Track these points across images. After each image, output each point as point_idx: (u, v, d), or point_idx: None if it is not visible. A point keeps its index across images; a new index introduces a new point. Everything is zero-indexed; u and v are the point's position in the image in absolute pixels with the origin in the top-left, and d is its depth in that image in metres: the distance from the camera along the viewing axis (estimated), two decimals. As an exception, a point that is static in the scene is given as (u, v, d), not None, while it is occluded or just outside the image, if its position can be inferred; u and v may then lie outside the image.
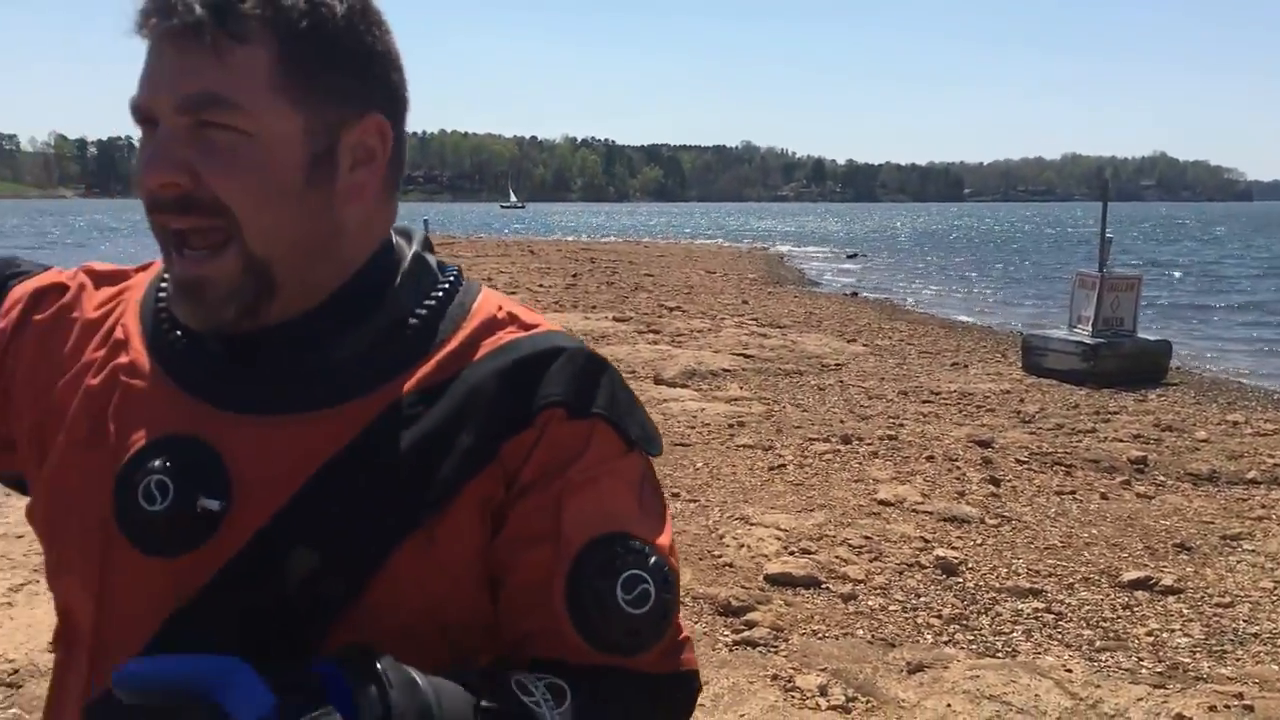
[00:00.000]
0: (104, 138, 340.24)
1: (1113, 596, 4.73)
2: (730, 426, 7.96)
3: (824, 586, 4.74)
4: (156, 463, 0.84)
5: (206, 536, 0.83)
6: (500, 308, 0.95)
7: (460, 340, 0.91)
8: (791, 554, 5.12)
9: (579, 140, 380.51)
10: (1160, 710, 3.60)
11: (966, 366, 11.38)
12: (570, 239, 49.63)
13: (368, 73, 0.87)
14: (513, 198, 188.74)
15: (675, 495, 6.14)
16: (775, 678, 3.81)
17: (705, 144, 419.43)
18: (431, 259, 0.97)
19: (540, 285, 20.04)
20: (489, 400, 0.87)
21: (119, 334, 0.93)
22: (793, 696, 3.69)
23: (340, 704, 0.68)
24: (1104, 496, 6.29)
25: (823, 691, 3.70)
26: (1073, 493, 6.36)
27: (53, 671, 0.97)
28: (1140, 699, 3.68)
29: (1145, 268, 22.00)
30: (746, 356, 11.45)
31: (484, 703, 0.76)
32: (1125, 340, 10.62)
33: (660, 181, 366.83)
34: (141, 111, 0.83)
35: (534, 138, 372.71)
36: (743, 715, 3.54)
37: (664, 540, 0.89)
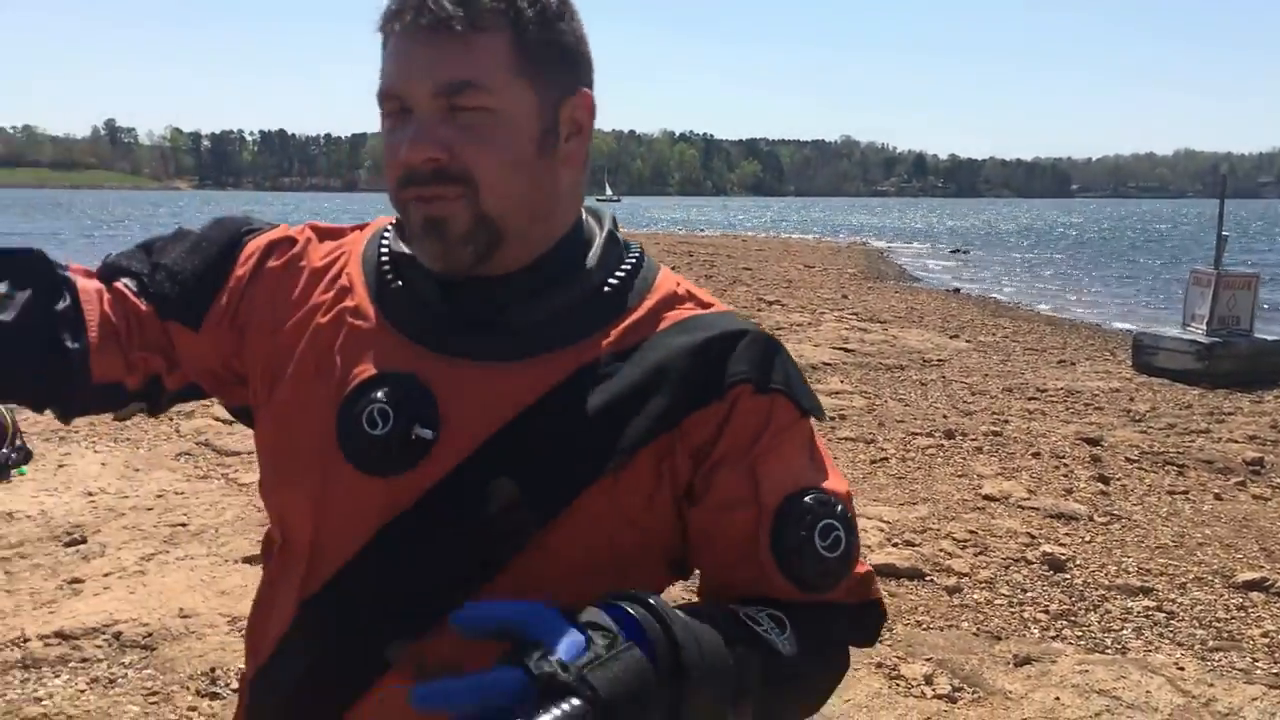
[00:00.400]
0: (216, 131, 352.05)
1: (1227, 597, 4.63)
2: (831, 419, 7.95)
3: (928, 579, 4.74)
4: (378, 394, 0.97)
5: (417, 461, 0.96)
6: (679, 284, 1.06)
7: (646, 309, 1.02)
8: (895, 545, 5.12)
9: (677, 134, 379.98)
10: (1276, 710, 3.54)
11: (1074, 364, 11.16)
12: (668, 232, 49.76)
13: (577, 53, 0.99)
14: (609, 191, 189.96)
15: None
16: (880, 665, 3.84)
17: (804, 138, 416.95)
18: (620, 235, 1.08)
19: (639, 278, 20.18)
20: (681, 372, 0.98)
21: (344, 281, 1.06)
22: (898, 684, 3.71)
23: (633, 639, 0.77)
24: (1218, 497, 6.14)
25: (928, 680, 3.72)
26: (1185, 493, 6.22)
27: (263, 575, 1.10)
28: (1255, 699, 3.62)
29: (1263, 266, 21.22)
30: (847, 350, 11.39)
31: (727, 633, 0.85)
32: (1242, 340, 10.29)
33: (758, 176, 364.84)
34: (395, 98, 0.95)
35: (632, 132, 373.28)
36: (848, 700, 3.57)
37: (842, 488, 1.01)
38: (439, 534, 0.95)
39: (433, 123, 0.93)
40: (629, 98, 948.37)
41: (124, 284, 1.07)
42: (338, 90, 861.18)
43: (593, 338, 0.99)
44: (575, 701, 0.71)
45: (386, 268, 1.05)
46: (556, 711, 0.70)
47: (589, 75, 1.02)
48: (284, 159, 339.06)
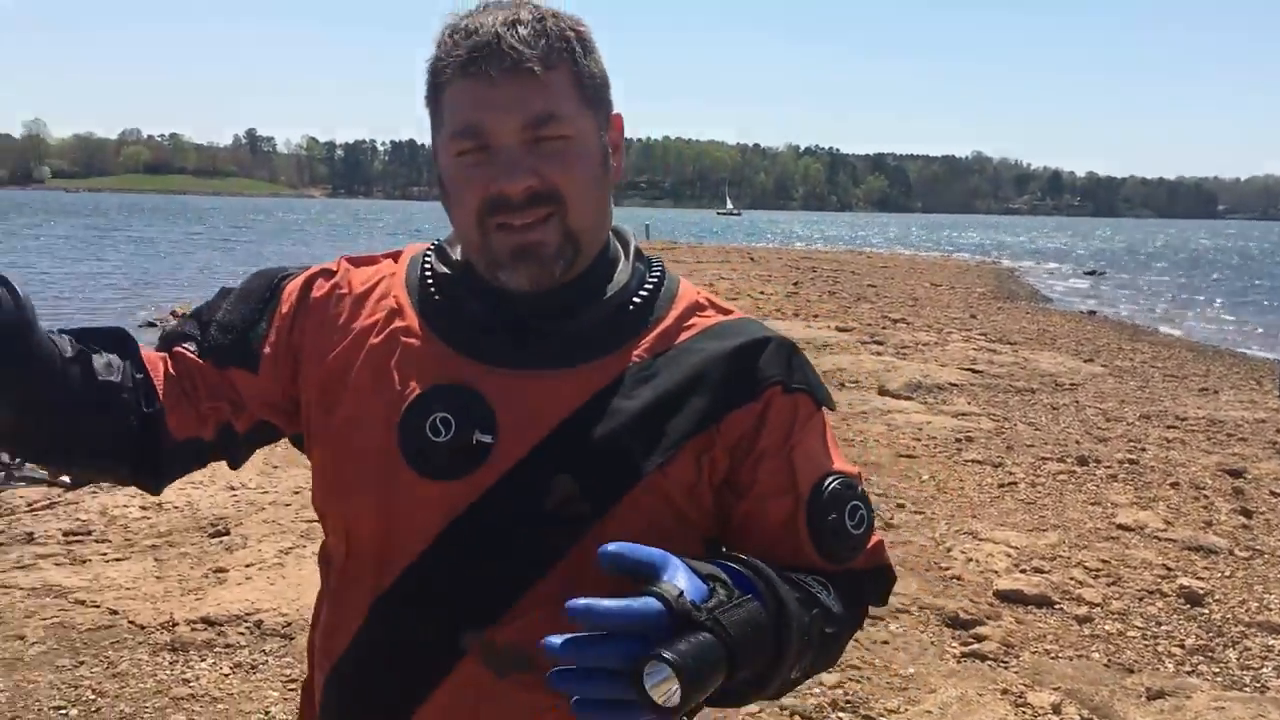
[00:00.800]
0: (350, 141, 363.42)
1: (1378, 641, 4.42)
2: (958, 441, 7.84)
3: (1057, 607, 4.64)
4: (438, 404, 1.07)
5: (477, 465, 1.06)
6: (699, 294, 1.19)
7: (674, 318, 1.14)
8: (1023, 572, 5.03)
9: (802, 148, 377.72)
10: None
11: (1216, 392, 10.75)
12: (792, 246, 49.50)
13: (607, 79, 1.13)
14: (729, 204, 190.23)
15: (900, 506, 6.13)
16: (1005, 692, 3.79)
17: (933, 153, 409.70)
18: (643, 254, 1.21)
19: (761, 292, 20.13)
20: (718, 376, 1.10)
21: (392, 303, 1.16)
22: (1024, 712, 3.66)
23: (748, 593, 0.89)
24: (1371, 537, 5.86)
25: (1056, 710, 3.65)
26: (1335, 530, 5.95)
27: (324, 587, 1.20)
28: None
29: None
30: (975, 371, 11.19)
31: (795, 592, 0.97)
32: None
33: (884, 191, 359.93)
34: (479, 135, 1.05)
35: (756, 145, 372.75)
36: (972, 725, 3.54)
37: (854, 469, 1.16)
38: (500, 529, 1.05)
39: (521, 154, 1.04)
40: (754, 111, 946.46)
41: (183, 348, 1.16)
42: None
43: (628, 345, 1.11)
44: (708, 636, 0.82)
45: (432, 288, 1.15)
46: (695, 641, 0.81)
47: (613, 97, 1.15)
48: (412, 169, 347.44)
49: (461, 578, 1.06)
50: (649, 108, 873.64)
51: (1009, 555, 5.24)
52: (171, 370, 1.14)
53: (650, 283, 1.16)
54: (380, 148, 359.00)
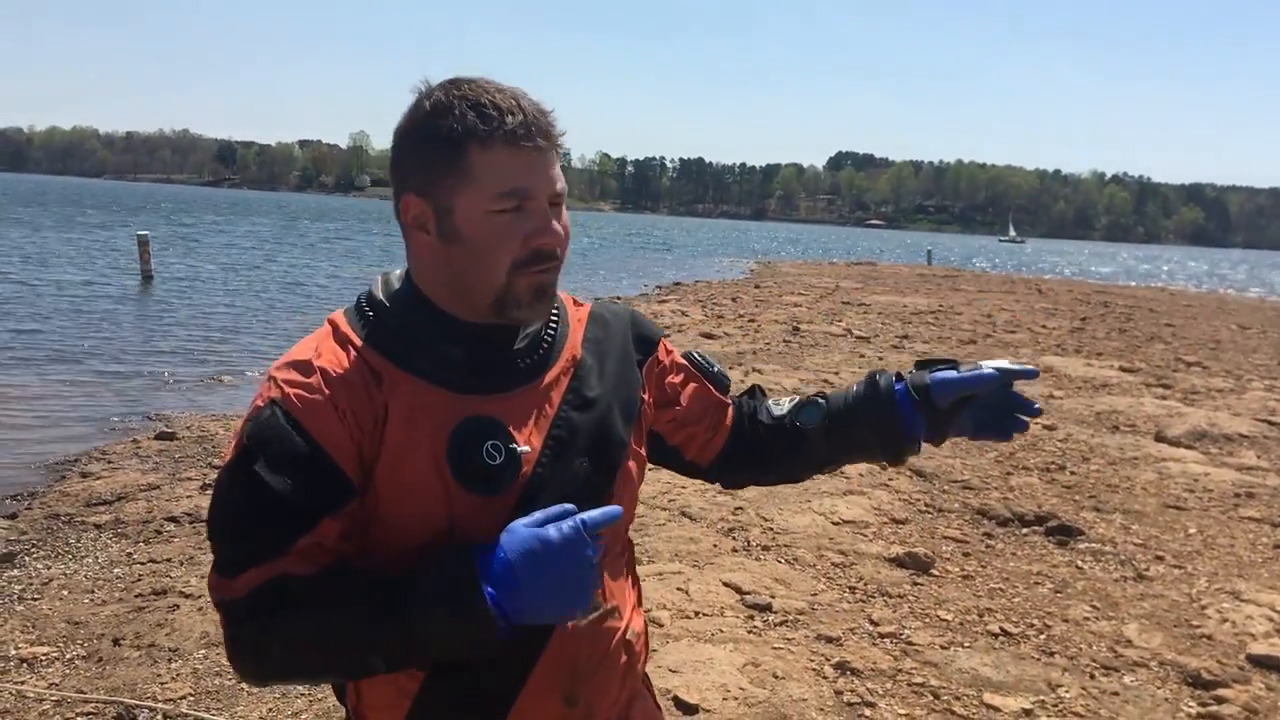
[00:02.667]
0: (640, 158, 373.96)
1: None
2: (1236, 495, 7.31)
3: (1323, 680, 4.31)
4: (480, 436, 1.31)
5: (517, 473, 1.32)
6: (567, 298, 1.54)
7: (573, 322, 1.50)
8: (1286, 639, 4.69)
9: (1108, 175, 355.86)
10: None
11: None
12: (1077, 279, 46.90)
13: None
14: (1012, 232, 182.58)
15: (1159, 558, 5.83)
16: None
17: (1258, 184, 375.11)
18: None
19: (1043, 326, 19.30)
20: (631, 349, 1.55)
21: (381, 371, 1.32)
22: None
23: None
24: None
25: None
26: None
27: None
28: None
29: None
30: (1272, 424, 10.32)
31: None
32: None
33: (1200, 224, 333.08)
34: (525, 196, 1.28)
35: (1057, 171, 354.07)
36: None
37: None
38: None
39: (552, 216, 1.32)
40: (1056, 135, 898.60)
41: (302, 543, 1.26)
42: (755, 122, 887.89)
43: (564, 349, 1.44)
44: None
45: (404, 350, 1.34)
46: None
47: None
48: (699, 186, 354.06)
49: None
50: (942, 131, 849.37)
51: (1272, 619, 4.90)
52: (316, 559, 1.27)
53: (555, 308, 1.47)
54: (669, 164, 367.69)
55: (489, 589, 1.17)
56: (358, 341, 1.34)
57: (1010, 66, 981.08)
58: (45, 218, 51.14)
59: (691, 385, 1.63)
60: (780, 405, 1.69)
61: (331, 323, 1.39)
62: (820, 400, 1.66)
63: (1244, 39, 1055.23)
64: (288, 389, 1.28)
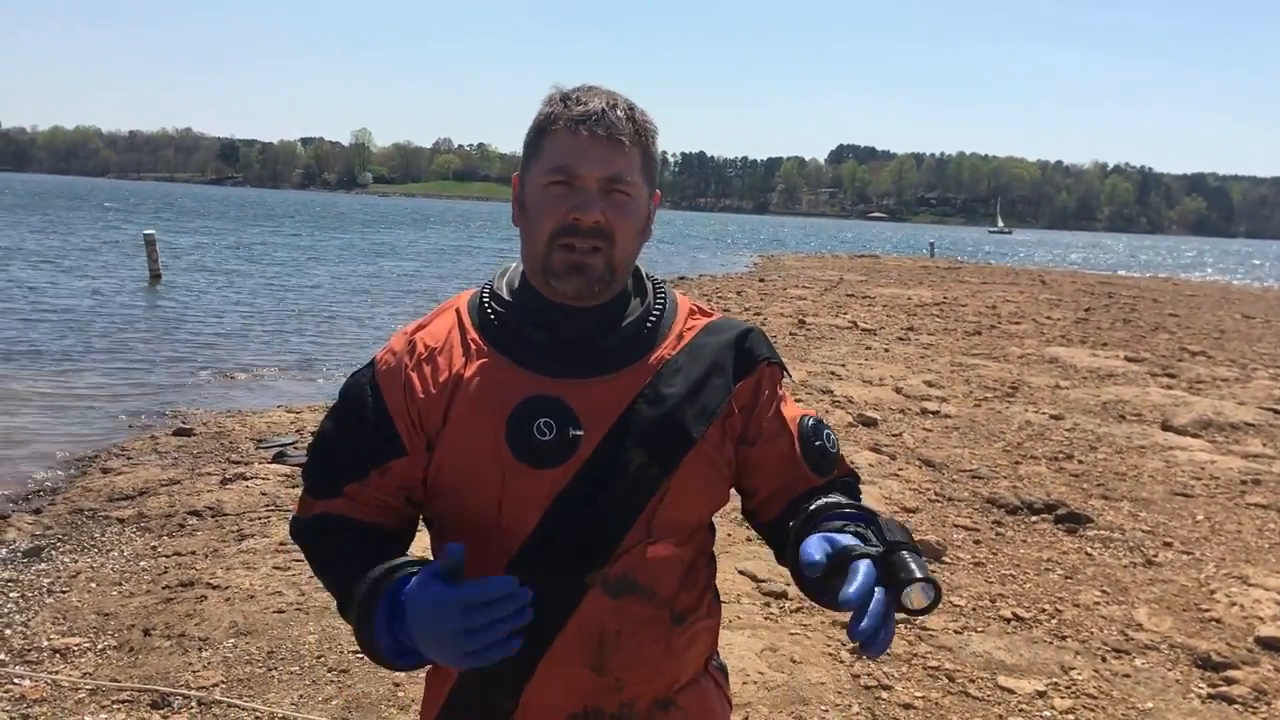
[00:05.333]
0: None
1: None
2: (1243, 483, 7.39)
3: (1328, 661, 4.39)
4: (537, 413, 1.42)
5: (571, 453, 1.41)
6: (690, 304, 1.60)
7: (679, 326, 1.55)
8: (1293, 622, 4.77)
9: (1110, 166, 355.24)
10: None
11: None
12: (1073, 269, 46.95)
13: (659, 166, 1.53)
14: (1000, 223, 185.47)
15: (1167, 544, 5.91)
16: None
17: (1261, 174, 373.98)
18: (650, 277, 1.60)
19: (1048, 317, 19.37)
20: (728, 360, 1.53)
21: (470, 345, 1.49)
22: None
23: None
24: None
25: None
26: None
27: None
28: None
29: None
30: (1277, 412, 10.38)
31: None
32: None
33: (1202, 214, 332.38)
34: (570, 174, 1.41)
35: (1059, 162, 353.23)
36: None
37: (813, 410, 1.68)
38: (595, 496, 1.41)
39: (596, 196, 1.42)
40: (1058, 125, 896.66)
41: (352, 486, 1.49)
42: (757, 116, 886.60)
43: (656, 348, 1.51)
44: (906, 551, 1.29)
45: (497, 324, 1.50)
46: (907, 556, 1.27)
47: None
48: (701, 180, 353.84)
49: (576, 533, 1.41)
50: (943, 122, 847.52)
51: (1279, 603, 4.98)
52: (368, 502, 1.49)
53: (659, 304, 1.55)
54: (672, 159, 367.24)
55: (395, 628, 1.33)
56: (465, 318, 1.53)
57: (1012, 58, 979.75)
58: (53, 216, 51.26)
59: (779, 441, 1.54)
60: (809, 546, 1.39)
61: (458, 299, 1.58)
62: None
63: (1247, 27, 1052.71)
64: (383, 354, 1.52)
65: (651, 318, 1.53)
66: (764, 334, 1.61)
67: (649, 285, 1.58)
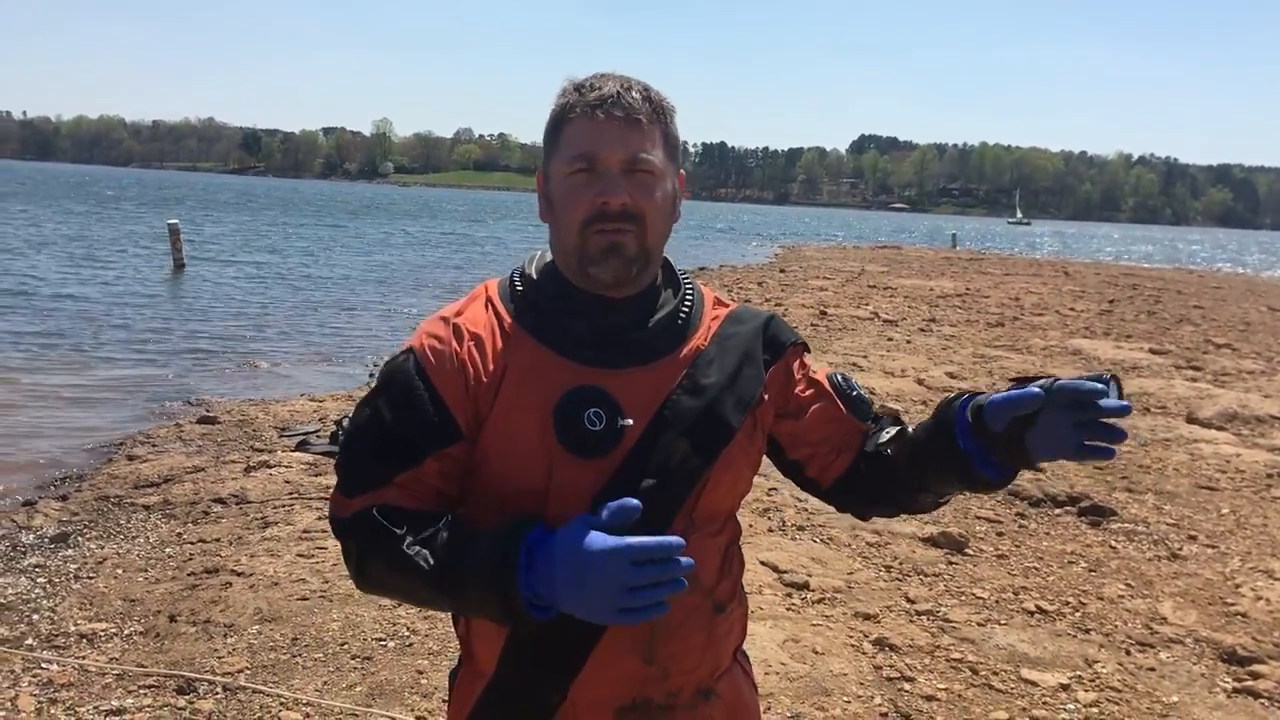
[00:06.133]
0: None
1: None
2: (1269, 476, 7.33)
3: (1353, 655, 4.35)
4: (585, 403, 1.42)
5: (616, 443, 1.42)
6: (712, 294, 1.62)
7: (708, 315, 1.57)
8: (1317, 616, 4.74)
9: (1134, 157, 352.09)
10: None
11: None
12: (1094, 259, 46.62)
13: (680, 145, 1.53)
14: (1019, 214, 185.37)
15: (1192, 538, 5.87)
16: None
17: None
18: (681, 270, 1.62)
19: (1071, 309, 19.24)
20: (758, 349, 1.56)
21: (509, 333, 1.47)
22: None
23: None
24: None
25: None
26: None
27: None
28: None
29: None
30: (1305, 405, 10.29)
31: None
32: None
33: (1228, 205, 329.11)
34: (592, 160, 1.41)
35: (1083, 153, 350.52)
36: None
37: (829, 368, 1.71)
38: (639, 485, 1.40)
39: (621, 179, 1.41)
40: (1082, 115, 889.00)
41: (402, 477, 1.42)
42: (778, 106, 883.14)
43: (690, 339, 1.51)
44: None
45: (538, 318, 1.48)
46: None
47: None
48: (721, 170, 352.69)
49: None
50: (966, 112, 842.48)
51: (1306, 598, 4.94)
52: (421, 492, 1.43)
53: (689, 291, 1.57)
54: (692, 149, 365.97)
55: (528, 580, 1.27)
56: (499, 306, 1.51)
57: (1036, 48, 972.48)
58: (76, 206, 51.65)
59: (820, 404, 1.61)
60: (880, 434, 1.59)
61: (485, 288, 1.56)
62: (903, 426, 1.58)
63: (1274, 17, 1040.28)
64: (424, 339, 1.48)
65: (684, 309, 1.54)
66: (782, 320, 1.66)
67: (676, 267, 1.60)
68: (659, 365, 1.47)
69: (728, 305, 1.61)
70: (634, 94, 1.43)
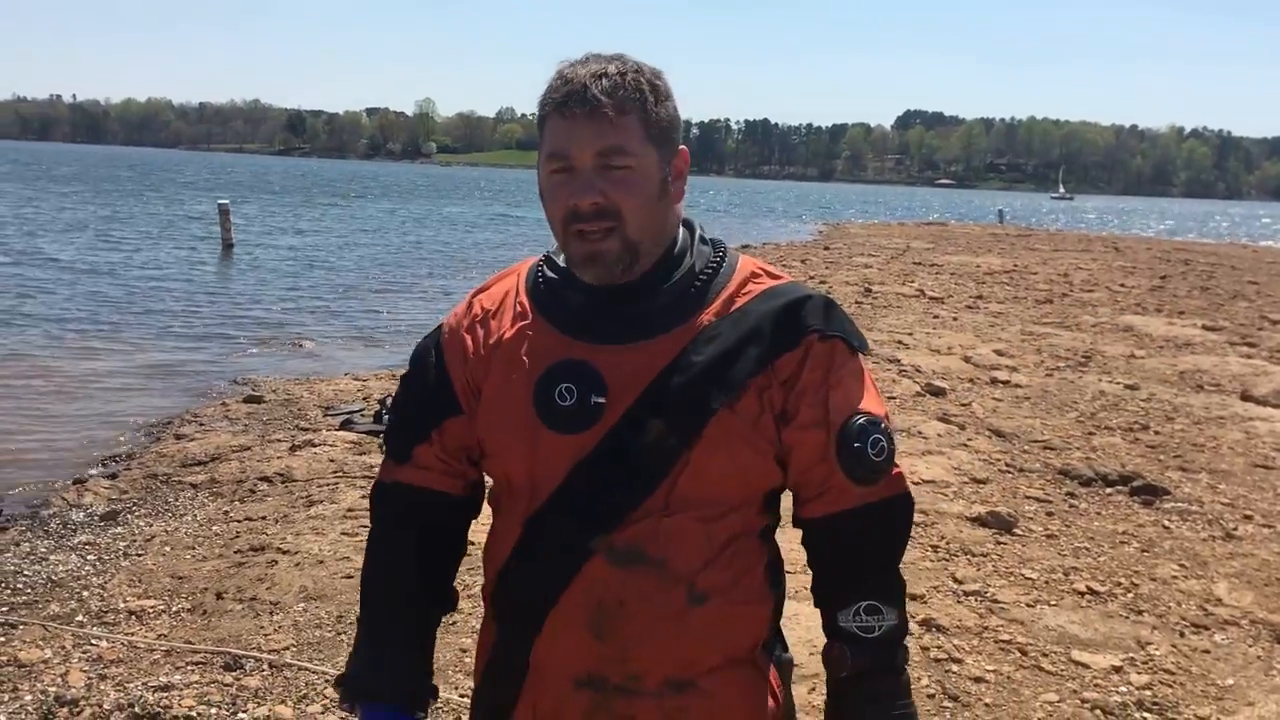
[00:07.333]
0: (705, 120, 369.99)
1: None
2: (1324, 456, 7.16)
3: None
4: (562, 377, 1.41)
5: (595, 420, 1.40)
6: (755, 265, 1.51)
7: (731, 290, 1.46)
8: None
9: (1187, 130, 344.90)
10: None
11: None
12: (1149, 235, 45.83)
13: (677, 122, 1.46)
14: (1061, 189, 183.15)
15: (1248, 517, 5.74)
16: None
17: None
18: (708, 239, 1.54)
19: (1121, 285, 18.91)
20: (769, 329, 1.42)
21: (517, 308, 1.50)
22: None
23: None
24: None
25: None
26: None
27: (494, 516, 1.55)
28: None
29: None
30: (1363, 382, 10.04)
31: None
32: None
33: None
34: (563, 159, 1.38)
35: (1134, 126, 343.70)
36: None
37: (882, 409, 1.47)
38: (614, 463, 1.39)
39: (593, 177, 1.37)
40: (1133, 88, 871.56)
41: (418, 449, 1.54)
42: (822, 82, 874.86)
43: (699, 314, 1.44)
44: None
45: (544, 289, 1.50)
46: None
47: (681, 135, 1.47)
48: (765, 148, 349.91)
49: (589, 499, 1.40)
50: (1014, 88, 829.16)
51: (1368, 581, 4.81)
52: (433, 465, 1.54)
53: (712, 265, 1.48)
54: (734, 126, 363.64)
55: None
56: (521, 281, 1.54)
57: (1085, 19, 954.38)
58: (124, 188, 52.37)
59: (815, 431, 1.42)
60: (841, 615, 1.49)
61: (523, 263, 1.59)
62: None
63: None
64: (449, 317, 1.57)
65: (699, 280, 1.47)
66: (829, 304, 1.46)
67: (701, 244, 1.52)
68: (657, 341, 1.42)
69: (777, 279, 1.49)
70: (603, 83, 1.36)
